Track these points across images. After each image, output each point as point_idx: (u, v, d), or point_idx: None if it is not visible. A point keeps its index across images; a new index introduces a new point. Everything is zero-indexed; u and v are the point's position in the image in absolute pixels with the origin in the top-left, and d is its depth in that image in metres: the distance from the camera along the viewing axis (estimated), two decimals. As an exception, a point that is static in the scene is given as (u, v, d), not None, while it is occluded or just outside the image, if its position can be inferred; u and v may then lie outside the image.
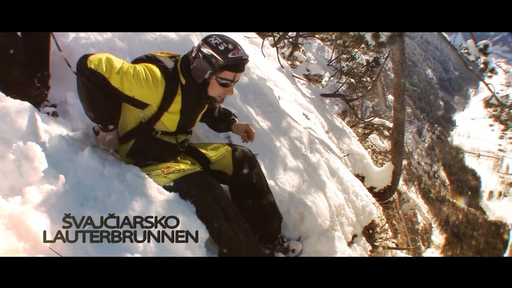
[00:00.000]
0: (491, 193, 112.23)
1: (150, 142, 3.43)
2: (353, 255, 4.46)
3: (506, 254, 77.94)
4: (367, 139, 14.76)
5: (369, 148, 14.09)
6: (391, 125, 10.99)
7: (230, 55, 3.10)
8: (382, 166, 10.53)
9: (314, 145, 6.85)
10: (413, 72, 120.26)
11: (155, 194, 2.95)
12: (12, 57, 3.64)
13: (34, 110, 2.80)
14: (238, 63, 3.21)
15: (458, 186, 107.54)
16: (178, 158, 3.71)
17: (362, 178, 9.38)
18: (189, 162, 3.69)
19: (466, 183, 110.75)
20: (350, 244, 5.39)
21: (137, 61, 3.35)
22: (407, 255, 8.92)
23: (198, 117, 3.75)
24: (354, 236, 5.73)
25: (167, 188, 3.16)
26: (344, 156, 9.08)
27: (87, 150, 2.92)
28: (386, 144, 15.04)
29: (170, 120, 3.38)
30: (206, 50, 3.12)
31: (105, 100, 3.17)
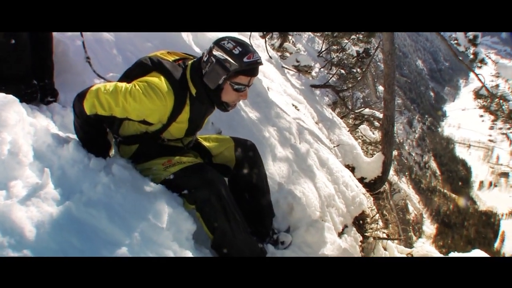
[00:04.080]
0: (481, 183, 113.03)
1: (155, 146, 3.39)
2: (343, 246, 4.46)
3: (496, 244, 78.65)
4: (357, 130, 14.77)
5: (359, 138, 14.10)
6: (381, 115, 11.01)
7: (245, 60, 2.99)
8: (372, 156, 10.54)
9: (303, 135, 6.86)
10: (404, 63, 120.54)
11: (142, 186, 2.94)
12: (13, 49, 3.58)
13: (19, 104, 2.78)
14: (254, 68, 3.10)
15: (448, 176, 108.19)
16: (185, 154, 3.62)
17: (352, 169, 9.38)
18: (192, 156, 3.64)
19: (457, 173, 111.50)
20: (340, 234, 5.39)
21: (141, 67, 3.25)
22: (399, 246, 8.95)
23: (206, 120, 3.69)
24: (345, 226, 5.74)
25: (167, 181, 3.17)
26: (334, 146, 9.09)
27: (72, 142, 2.89)
28: (376, 135, 15.04)
29: (177, 129, 3.33)
30: (220, 54, 3.02)
31: (102, 138, 3.28)
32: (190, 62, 3.28)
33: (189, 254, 2.68)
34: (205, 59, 3.11)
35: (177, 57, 3.38)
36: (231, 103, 3.27)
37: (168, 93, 3.04)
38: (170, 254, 2.53)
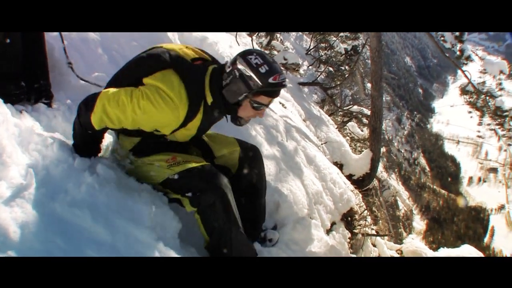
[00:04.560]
0: (470, 179, 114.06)
1: (158, 141, 3.25)
2: (330, 243, 4.47)
3: (486, 239, 79.33)
4: (345, 127, 14.81)
5: (347, 136, 14.15)
6: (369, 112, 11.05)
7: (270, 80, 2.80)
8: (360, 153, 10.58)
9: (290, 133, 6.85)
10: (392, 60, 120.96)
11: (126, 186, 2.93)
12: (7, 47, 3.55)
13: (3, 104, 2.77)
14: (278, 90, 2.98)
15: (438, 172, 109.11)
16: (187, 148, 3.52)
17: (340, 166, 9.41)
18: (195, 153, 3.54)
19: (446, 169, 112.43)
20: (328, 231, 5.40)
21: (156, 60, 3.00)
22: (389, 242, 8.98)
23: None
24: (333, 223, 5.74)
25: (171, 181, 3.05)
26: (321, 144, 9.10)
27: (56, 142, 2.88)
28: (365, 132, 15.09)
29: (183, 135, 3.19)
30: (244, 69, 2.82)
31: (97, 145, 3.25)
32: (210, 67, 3.07)
33: (174, 253, 2.67)
34: (227, 70, 2.93)
35: (195, 56, 3.16)
36: (246, 119, 3.15)
37: (182, 103, 2.86)
38: (155, 253, 2.52)
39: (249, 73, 2.81)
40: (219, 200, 2.96)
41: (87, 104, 2.88)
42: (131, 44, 5.31)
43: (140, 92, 2.82)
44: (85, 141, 3.08)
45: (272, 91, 2.94)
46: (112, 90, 2.88)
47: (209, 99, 3.00)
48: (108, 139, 3.62)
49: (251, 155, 3.64)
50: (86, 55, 4.66)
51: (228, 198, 3.01)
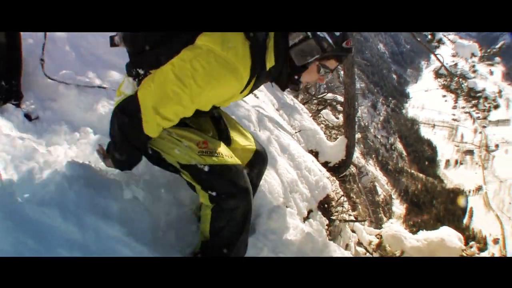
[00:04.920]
0: (447, 161, 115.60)
1: None
2: (306, 230, 4.48)
3: (465, 220, 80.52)
4: (319, 115, 14.84)
5: (322, 123, 14.17)
6: (343, 99, 11.10)
7: (344, 45, 2.60)
8: (335, 140, 10.62)
9: (263, 123, 6.84)
10: (365, 47, 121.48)
11: (95, 182, 2.91)
12: None
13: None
14: (347, 55, 2.80)
15: (415, 156, 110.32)
16: (202, 123, 3.17)
17: (316, 154, 9.42)
18: (212, 134, 3.20)
19: (423, 153, 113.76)
20: (306, 219, 5.41)
21: None
22: (368, 227, 9.05)
23: None
24: (310, 211, 5.76)
25: (198, 170, 2.78)
26: (295, 132, 9.10)
27: (25, 142, 2.89)
28: (340, 119, 15.16)
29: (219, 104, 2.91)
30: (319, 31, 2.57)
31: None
32: None
33: (145, 248, 2.65)
34: None
35: None
36: (304, 84, 2.93)
37: (245, 72, 2.55)
38: (126, 248, 2.51)
39: (324, 34, 2.57)
40: (243, 205, 2.85)
41: (131, 116, 2.60)
42: (100, 41, 5.26)
43: (193, 66, 2.46)
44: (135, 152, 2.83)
45: (343, 56, 2.76)
46: (152, 84, 2.55)
47: (269, 64, 2.70)
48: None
49: (259, 160, 3.46)
50: (53, 53, 4.60)
51: (250, 206, 2.91)
